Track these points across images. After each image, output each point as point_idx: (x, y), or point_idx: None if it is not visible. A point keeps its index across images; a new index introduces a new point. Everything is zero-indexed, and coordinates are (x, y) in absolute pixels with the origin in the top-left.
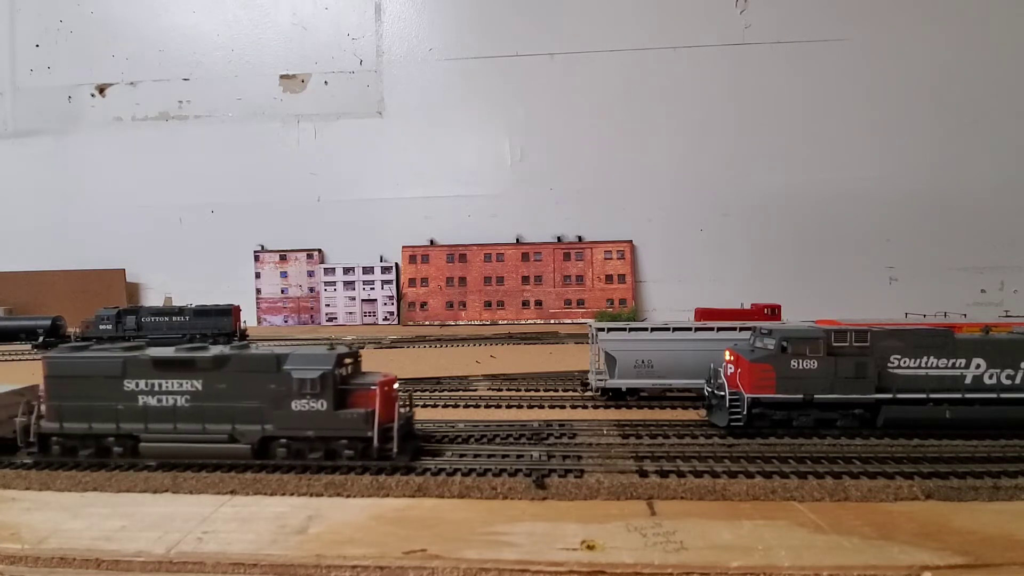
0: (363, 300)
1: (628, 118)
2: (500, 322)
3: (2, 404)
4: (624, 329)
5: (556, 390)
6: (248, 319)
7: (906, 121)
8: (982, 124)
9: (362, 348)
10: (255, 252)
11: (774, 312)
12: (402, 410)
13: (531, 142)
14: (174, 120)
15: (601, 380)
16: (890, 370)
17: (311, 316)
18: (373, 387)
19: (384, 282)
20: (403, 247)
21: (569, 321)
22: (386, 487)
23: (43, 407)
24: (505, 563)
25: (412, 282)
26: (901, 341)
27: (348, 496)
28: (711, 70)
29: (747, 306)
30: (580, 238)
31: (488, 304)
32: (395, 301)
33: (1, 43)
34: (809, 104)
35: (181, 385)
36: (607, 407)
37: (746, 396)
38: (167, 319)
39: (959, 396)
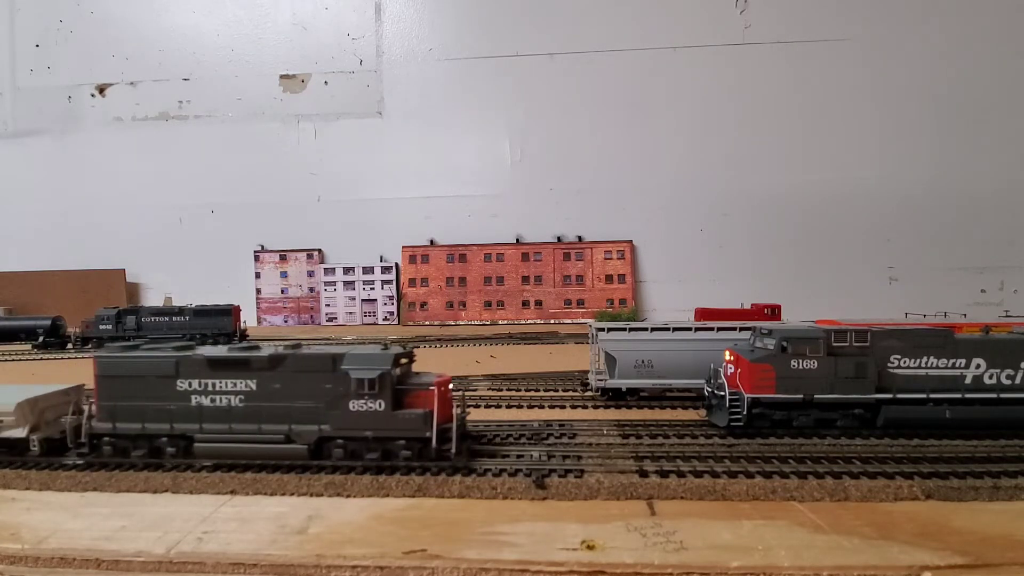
0: (363, 300)
1: (628, 118)
2: (500, 322)
3: (49, 404)
4: (624, 329)
5: (556, 390)
6: (248, 319)
7: (906, 121)
8: (982, 124)
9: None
10: (255, 252)
11: (774, 312)
12: (455, 410)
13: (531, 142)
14: (174, 120)
15: (601, 380)
16: (890, 370)
17: (311, 316)
18: (431, 387)
19: (384, 282)
20: (403, 247)
21: (569, 321)
22: (386, 487)
23: (93, 407)
24: (505, 563)
25: (412, 282)
26: (901, 341)
27: (348, 496)
28: (711, 70)
29: (747, 306)
30: (580, 238)
31: (488, 304)
32: (395, 301)
33: (1, 43)
34: (809, 104)
35: (235, 385)
36: (607, 407)
37: (746, 396)
38: (167, 319)
39: (959, 396)
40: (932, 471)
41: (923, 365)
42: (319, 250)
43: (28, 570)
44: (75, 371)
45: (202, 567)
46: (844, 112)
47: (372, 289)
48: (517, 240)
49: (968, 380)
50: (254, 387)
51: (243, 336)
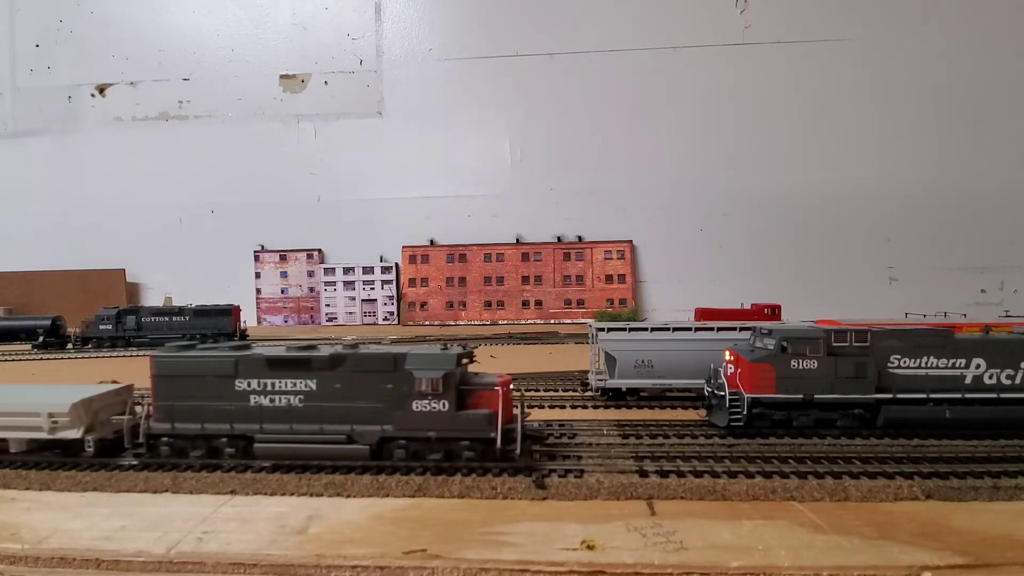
0: (363, 300)
1: (628, 118)
2: (500, 322)
3: (102, 404)
4: (624, 329)
5: (556, 390)
6: (248, 319)
7: (906, 121)
8: (982, 124)
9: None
10: (255, 252)
11: (774, 312)
12: (515, 411)
13: (531, 142)
14: (174, 120)
15: (601, 380)
16: (890, 370)
17: (311, 316)
18: (496, 388)
19: (384, 282)
20: (403, 247)
21: (569, 321)
22: (386, 487)
23: (149, 407)
24: (505, 563)
25: (412, 282)
26: (901, 341)
27: (348, 496)
28: (711, 70)
29: (747, 306)
30: (580, 238)
31: (488, 304)
32: (395, 301)
33: (1, 43)
34: (809, 104)
35: (295, 385)
36: (607, 407)
37: (746, 396)
38: (167, 319)
39: (959, 396)
40: (932, 471)
41: (923, 365)
42: (319, 250)
43: (28, 570)
44: (75, 371)
45: (202, 567)
46: (844, 112)
47: (372, 289)
48: (517, 240)
49: (968, 380)
50: (314, 387)
51: (243, 336)
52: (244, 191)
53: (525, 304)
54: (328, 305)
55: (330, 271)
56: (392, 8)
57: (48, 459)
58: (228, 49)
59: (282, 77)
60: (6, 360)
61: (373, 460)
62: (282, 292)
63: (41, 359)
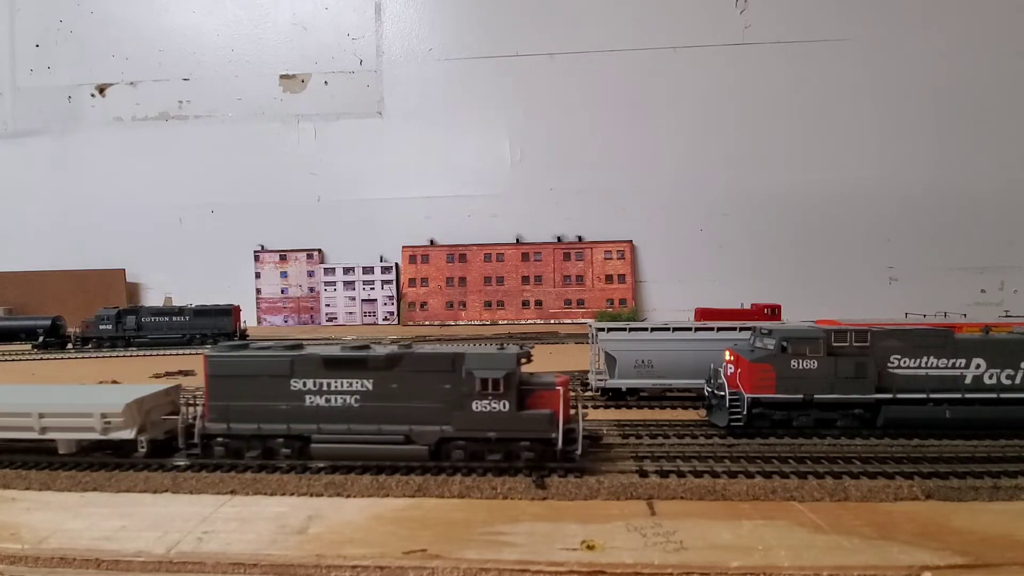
0: (363, 300)
1: (628, 118)
2: (500, 322)
3: (153, 405)
4: (624, 329)
5: None
6: (248, 319)
7: (906, 121)
8: (982, 124)
9: None
10: (255, 252)
11: (774, 312)
12: (573, 411)
13: (531, 142)
14: (174, 120)
15: (601, 380)
16: (890, 370)
17: (311, 316)
18: (556, 387)
19: (384, 282)
20: (403, 247)
21: (569, 321)
22: (386, 487)
23: (202, 407)
24: (505, 563)
25: (412, 282)
26: (901, 341)
27: (348, 496)
28: (711, 70)
29: (747, 306)
30: (580, 238)
31: (488, 304)
32: (395, 301)
33: (1, 43)
34: (809, 104)
35: (351, 385)
36: (607, 407)
37: (746, 396)
38: (167, 319)
39: (959, 396)
40: (932, 471)
41: (923, 365)
42: (319, 250)
43: (28, 570)
44: (76, 371)
45: (202, 567)
46: (844, 112)
47: (372, 289)
48: (517, 240)
49: (968, 380)
50: (370, 387)
51: (243, 336)
52: (244, 191)
53: (525, 304)
54: (328, 305)
55: (330, 271)
56: (392, 8)
57: (100, 460)
58: (228, 49)
59: (282, 77)
60: (6, 360)
61: (432, 461)
62: (282, 292)
63: (41, 359)
